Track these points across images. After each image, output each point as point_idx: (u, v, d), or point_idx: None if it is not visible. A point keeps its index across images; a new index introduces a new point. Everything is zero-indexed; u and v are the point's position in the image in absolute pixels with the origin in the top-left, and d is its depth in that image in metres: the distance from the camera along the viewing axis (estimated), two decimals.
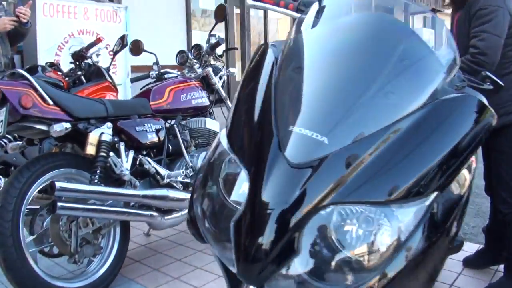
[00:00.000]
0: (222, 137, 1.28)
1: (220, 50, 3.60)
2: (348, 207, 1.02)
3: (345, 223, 1.01)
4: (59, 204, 2.14)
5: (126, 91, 5.31)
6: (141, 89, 3.52)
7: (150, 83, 3.49)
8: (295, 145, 1.10)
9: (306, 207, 1.02)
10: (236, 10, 8.99)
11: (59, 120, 2.31)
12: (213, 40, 3.40)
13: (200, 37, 8.12)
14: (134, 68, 5.53)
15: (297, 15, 1.67)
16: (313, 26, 1.45)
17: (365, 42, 1.29)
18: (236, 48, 4.13)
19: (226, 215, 1.14)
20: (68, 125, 2.32)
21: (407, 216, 1.04)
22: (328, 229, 1.02)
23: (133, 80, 3.53)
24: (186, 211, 3.01)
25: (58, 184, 2.13)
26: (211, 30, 3.47)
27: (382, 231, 1.02)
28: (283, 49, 1.39)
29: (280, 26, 11.09)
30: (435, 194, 1.08)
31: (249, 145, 1.20)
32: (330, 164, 1.05)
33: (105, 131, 2.48)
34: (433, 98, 1.17)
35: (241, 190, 1.14)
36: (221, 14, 3.30)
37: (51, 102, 2.29)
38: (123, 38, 3.92)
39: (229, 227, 1.09)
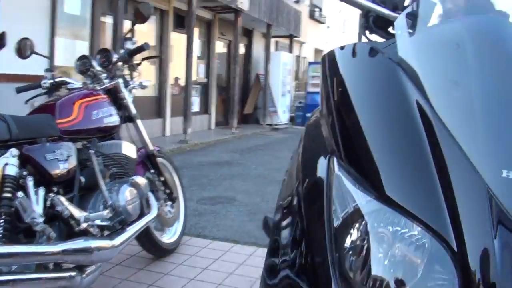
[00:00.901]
0: (348, 184, 0.79)
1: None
2: None
3: None
4: None
5: None
6: (26, 102, 2.74)
7: (39, 95, 2.73)
8: None
9: None
10: (103, 18, 8.12)
11: None
12: (130, 45, 2.75)
13: (64, 44, 7.13)
14: None
15: (395, 15, 1.22)
16: (411, 28, 1.08)
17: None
18: (159, 56, 3.49)
19: None
20: None
21: None
22: None
23: (20, 90, 2.70)
24: (98, 264, 2.36)
25: None
26: (127, 33, 2.83)
27: None
28: (402, 57, 0.96)
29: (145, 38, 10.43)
30: None
31: (422, 196, 0.76)
32: None
33: (10, 161, 1.73)
34: None
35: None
36: (142, 15, 2.68)
37: None
38: (2, 37, 3.02)
39: None
